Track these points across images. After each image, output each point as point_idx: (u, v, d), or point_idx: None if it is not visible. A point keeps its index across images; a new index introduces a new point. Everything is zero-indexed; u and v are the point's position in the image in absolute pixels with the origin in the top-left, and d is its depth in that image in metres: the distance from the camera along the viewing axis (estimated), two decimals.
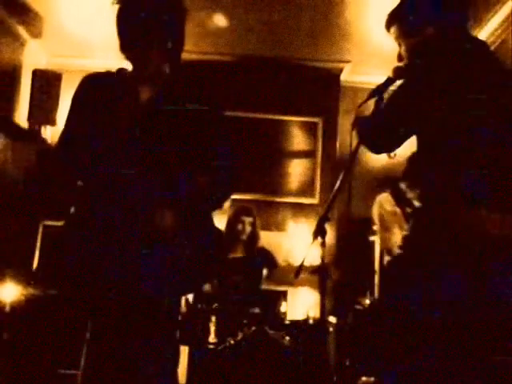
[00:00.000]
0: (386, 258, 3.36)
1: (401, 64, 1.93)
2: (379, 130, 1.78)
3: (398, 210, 3.17)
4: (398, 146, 1.79)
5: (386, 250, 3.35)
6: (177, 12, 1.83)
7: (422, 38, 1.82)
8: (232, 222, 4.04)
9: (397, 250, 3.20)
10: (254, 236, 4.03)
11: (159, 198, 1.71)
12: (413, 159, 3.32)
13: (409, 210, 3.03)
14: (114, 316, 1.67)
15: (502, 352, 1.53)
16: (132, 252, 1.65)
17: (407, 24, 1.86)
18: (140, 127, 1.74)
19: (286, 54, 5.14)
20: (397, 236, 3.23)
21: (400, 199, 3.08)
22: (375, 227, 3.46)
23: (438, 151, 1.67)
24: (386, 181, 3.90)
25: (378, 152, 1.85)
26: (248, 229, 4.01)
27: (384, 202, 3.28)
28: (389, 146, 1.83)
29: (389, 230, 3.28)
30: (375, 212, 3.38)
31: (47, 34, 4.84)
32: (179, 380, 3.81)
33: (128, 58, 1.80)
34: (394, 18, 1.90)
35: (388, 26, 1.92)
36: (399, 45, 1.91)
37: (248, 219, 4.01)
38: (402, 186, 3.14)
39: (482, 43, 1.85)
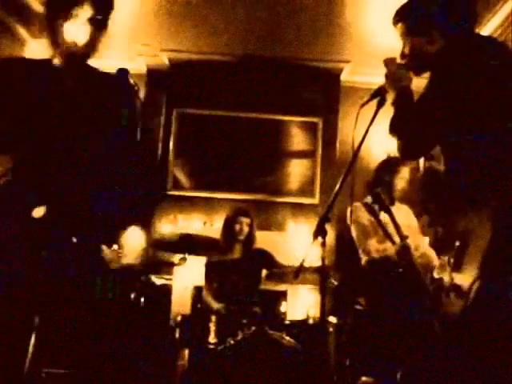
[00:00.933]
0: (365, 258, 3.44)
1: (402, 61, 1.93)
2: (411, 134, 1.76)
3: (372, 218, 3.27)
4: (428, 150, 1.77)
5: (363, 251, 3.47)
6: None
7: (427, 38, 1.82)
8: (229, 223, 4.05)
9: (375, 255, 3.33)
10: (250, 237, 4.05)
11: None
12: (381, 168, 3.50)
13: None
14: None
15: (502, 352, 1.53)
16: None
17: (412, 22, 1.86)
18: (63, 115, 1.74)
19: (286, 54, 5.14)
20: (373, 240, 3.34)
21: (369, 210, 3.17)
22: (352, 232, 3.57)
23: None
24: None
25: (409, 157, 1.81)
26: (246, 229, 4.02)
27: (359, 210, 3.39)
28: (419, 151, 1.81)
29: (367, 234, 3.40)
30: (351, 219, 3.49)
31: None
32: (179, 380, 3.81)
33: (47, 33, 1.81)
34: (400, 15, 1.90)
35: (395, 23, 1.91)
36: (404, 43, 1.90)
37: (246, 220, 4.02)
38: (368, 198, 3.26)
39: (491, 41, 1.85)
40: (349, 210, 3.46)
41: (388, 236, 3.11)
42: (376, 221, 3.15)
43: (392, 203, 3.49)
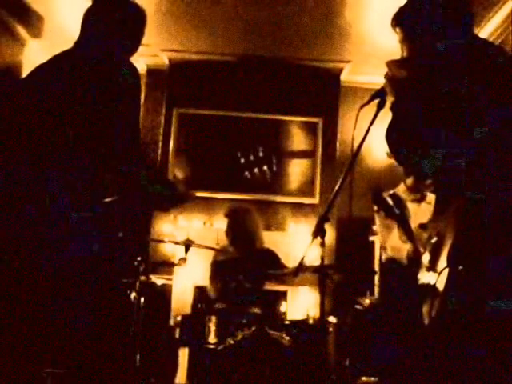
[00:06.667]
0: (384, 256, 3.42)
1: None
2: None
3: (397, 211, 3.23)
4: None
5: (382, 247, 3.44)
6: None
7: (421, 44, 1.81)
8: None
9: (389, 252, 3.31)
10: (248, 235, 4.01)
11: None
12: None
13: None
14: None
15: (502, 352, 1.53)
16: None
17: (407, 27, 1.85)
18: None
19: (286, 54, 5.15)
20: (394, 234, 3.31)
21: (386, 209, 3.15)
22: (376, 226, 3.53)
23: None
24: (386, 180, 3.91)
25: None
26: (228, 227, 3.99)
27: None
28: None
29: (389, 228, 3.35)
30: (376, 212, 3.45)
31: (47, 34, 4.84)
32: (179, 380, 3.82)
33: None
34: (397, 20, 1.89)
35: (393, 27, 1.91)
36: (401, 47, 1.89)
37: (227, 219, 4.02)
38: (384, 194, 3.24)
39: (485, 44, 1.85)
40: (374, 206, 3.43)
41: (409, 236, 3.06)
42: (401, 215, 3.11)
43: (422, 199, 3.45)
